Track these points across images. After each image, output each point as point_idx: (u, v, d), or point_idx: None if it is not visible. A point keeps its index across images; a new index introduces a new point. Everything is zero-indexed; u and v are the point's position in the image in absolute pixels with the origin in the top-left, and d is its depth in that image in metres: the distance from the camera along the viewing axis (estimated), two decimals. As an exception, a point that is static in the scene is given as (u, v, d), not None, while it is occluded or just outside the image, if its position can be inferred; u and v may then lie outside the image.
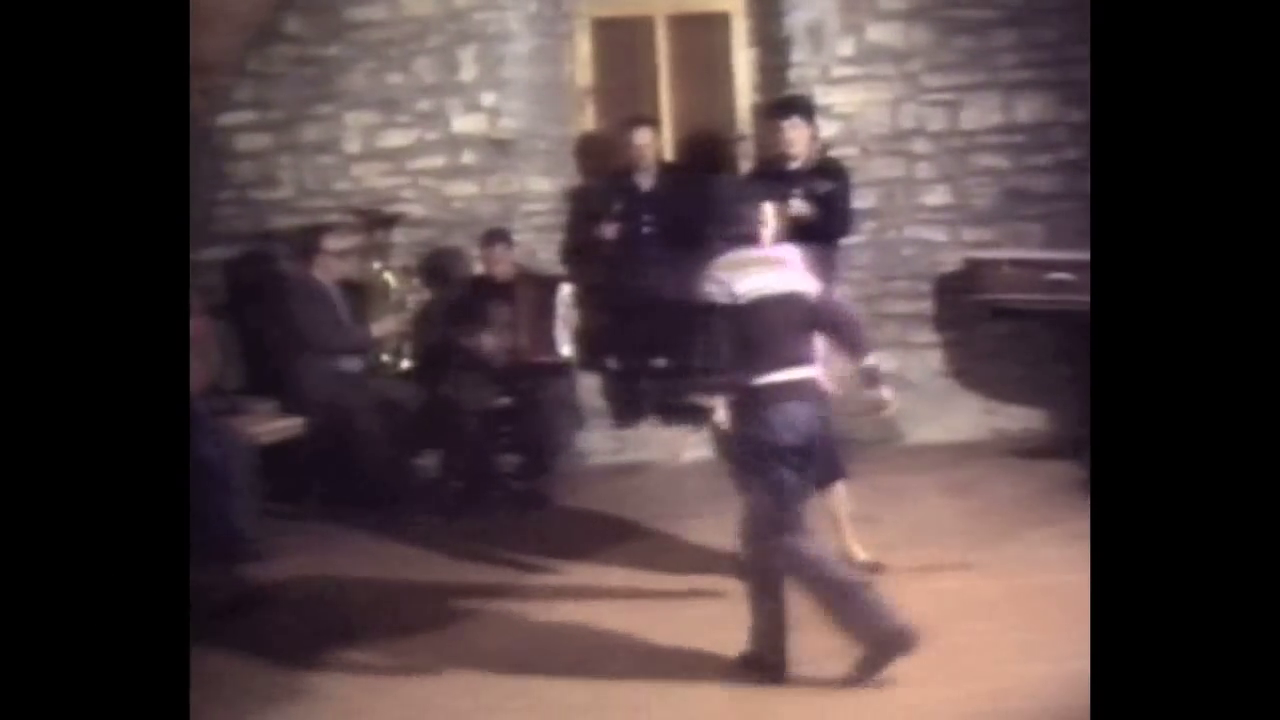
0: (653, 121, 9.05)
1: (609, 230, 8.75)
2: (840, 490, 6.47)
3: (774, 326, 5.44)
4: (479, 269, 8.82)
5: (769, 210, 5.73)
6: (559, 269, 9.20)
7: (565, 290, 8.51)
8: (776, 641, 5.34)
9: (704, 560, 6.58)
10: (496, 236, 8.65)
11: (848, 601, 5.25)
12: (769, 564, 5.35)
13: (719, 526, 6.25)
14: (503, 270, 8.57)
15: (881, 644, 5.16)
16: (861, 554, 6.37)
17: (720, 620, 5.69)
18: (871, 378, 5.59)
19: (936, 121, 8.98)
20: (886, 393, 5.65)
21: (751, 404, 5.38)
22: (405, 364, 8.87)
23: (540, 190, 9.33)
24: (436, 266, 9.23)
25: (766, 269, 5.54)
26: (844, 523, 6.47)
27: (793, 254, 5.70)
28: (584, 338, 8.68)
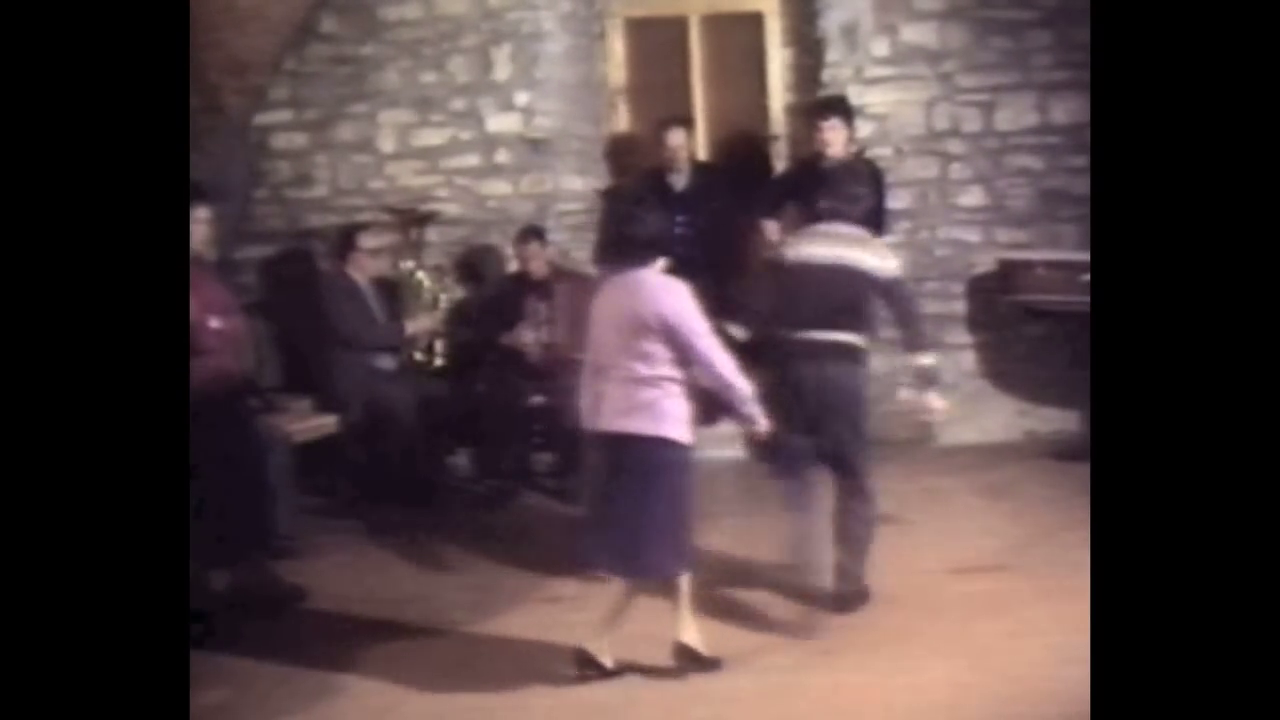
0: (686, 121, 9.03)
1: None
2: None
3: (816, 291, 5.90)
4: (514, 267, 8.84)
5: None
6: (592, 269, 9.21)
7: None
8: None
9: (735, 563, 6.58)
10: (531, 234, 8.67)
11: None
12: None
13: (749, 528, 6.26)
14: (538, 268, 8.59)
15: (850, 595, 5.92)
16: None
17: (747, 623, 5.72)
18: (925, 378, 5.90)
19: (971, 122, 8.95)
20: (936, 401, 5.86)
21: (781, 356, 5.88)
22: (439, 362, 8.90)
23: (574, 189, 9.35)
24: (471, 264, 9.27)
25: (830, 241, 6.05)
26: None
27: (863, 234, 6.14)
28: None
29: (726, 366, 5.37)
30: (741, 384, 5.40)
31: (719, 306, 5.97)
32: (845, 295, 5.96)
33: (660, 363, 5.32)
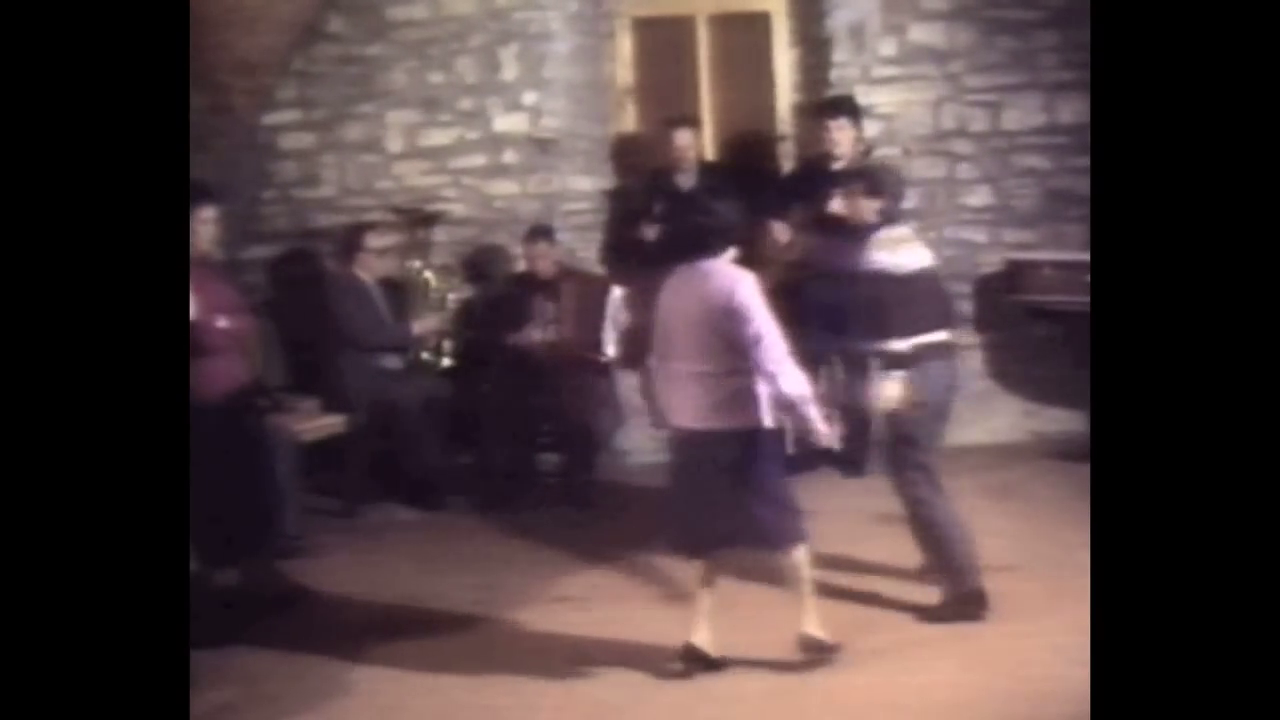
0: (693, 122, 9.03)
1: (649, 231, 8.76)
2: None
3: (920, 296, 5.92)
4: (521, 267, 8.85)
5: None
6: (599, 268, 9.22)
7: (617, 293, 8.51)
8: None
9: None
10: (539, 233, 8.69)
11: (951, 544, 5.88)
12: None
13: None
14: (545, 267, 8.60)
15: (957, 599, 5.81)
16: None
17: (753, 621, 5.72)
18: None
19: (978, 122, 8.95)
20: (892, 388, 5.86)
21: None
22: (446, 362, 8.90)
23: (581, 189, 9.34)
24: (478, 264, 9.27)
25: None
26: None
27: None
28: (625, 337, 8.69)
29: (789, 364, 5.35)
30: (803, 384, 5.38)
31: None
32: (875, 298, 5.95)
33: (738, 352, 5.32)
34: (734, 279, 5.42)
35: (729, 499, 5.38)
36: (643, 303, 8.77)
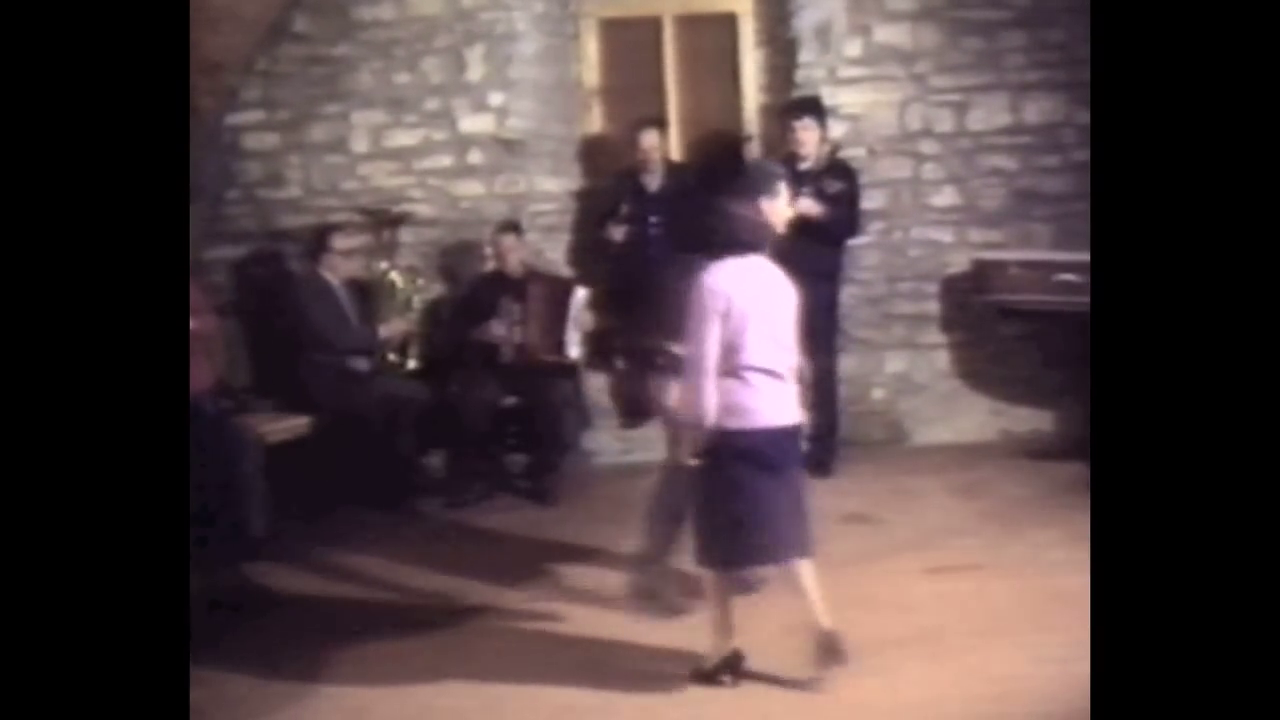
0: (660, 122, 9.03)
1: (616, 232, 8.76)
2: None
3: None
4: (489, 265, 8.83)
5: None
6: (566, 269, 9.21)
7: (580, 294, 8.51)
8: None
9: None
10: (508, 227, 8.69)
11: None
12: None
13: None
14: (514, 262, 8.58)
15: None
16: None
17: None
18: None
19: (944, 122, 8.97)
20: None
21: None
22: (412, 363, 8.88)
23: (547, 190, 9.33)
24: (445, 265, 9.24)
25: None
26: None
27: None
28: (592, 338, 8.69)
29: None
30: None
31: None
32: None
33: (791, 349, 5.27)
34: (779, 271, 5.34)
35: (792, 501, 5.27)
36: (607, 302, 8.81)
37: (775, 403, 5.20)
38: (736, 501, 5.20)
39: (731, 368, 5.13)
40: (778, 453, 5.21)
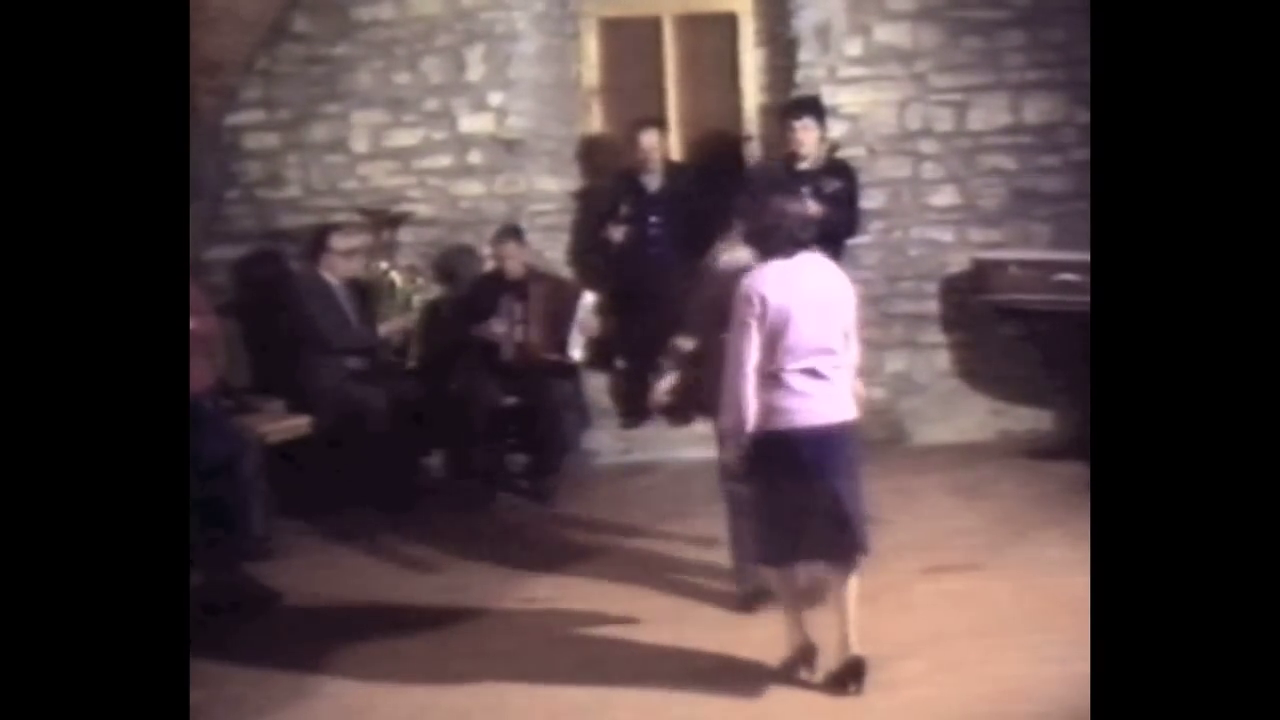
0: (659, 122, 9.04)
1: (616, 232, 8.76)
2: None
3: None
4: (489, 267, 8.83)
5: None
6: (566, 269, 9.21)
7: (589, 298, 8.50)
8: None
9: (707, 563, 6.58)
10: (509, 233, 8.67)
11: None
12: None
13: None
14: (514, 267, 8.58)
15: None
16: None
17: (721, 625, 5.71)
18: None
19: (944, 122, 8.97)
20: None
21: None
22: (412, 363, 8.87)
23: (547, 190, 9.33)
24: (444, 265, 9.24)
25: None
26: None
27: None
28: (590, 340, 8.68)
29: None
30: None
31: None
32: None
33: (842, 346, 5.25)
34: (833, 268, 5.37)
35: (846, 501, 5.23)
36: (607, 302, 8.81)
37: (816, 403, 5.17)
38: (772, 500, 5.23)
39: (773, 369, 5.13)
40: (818, 453, 5.17)
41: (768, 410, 5.13)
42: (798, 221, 5.32)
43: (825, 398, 5.18)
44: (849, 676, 5.16)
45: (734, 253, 5.79)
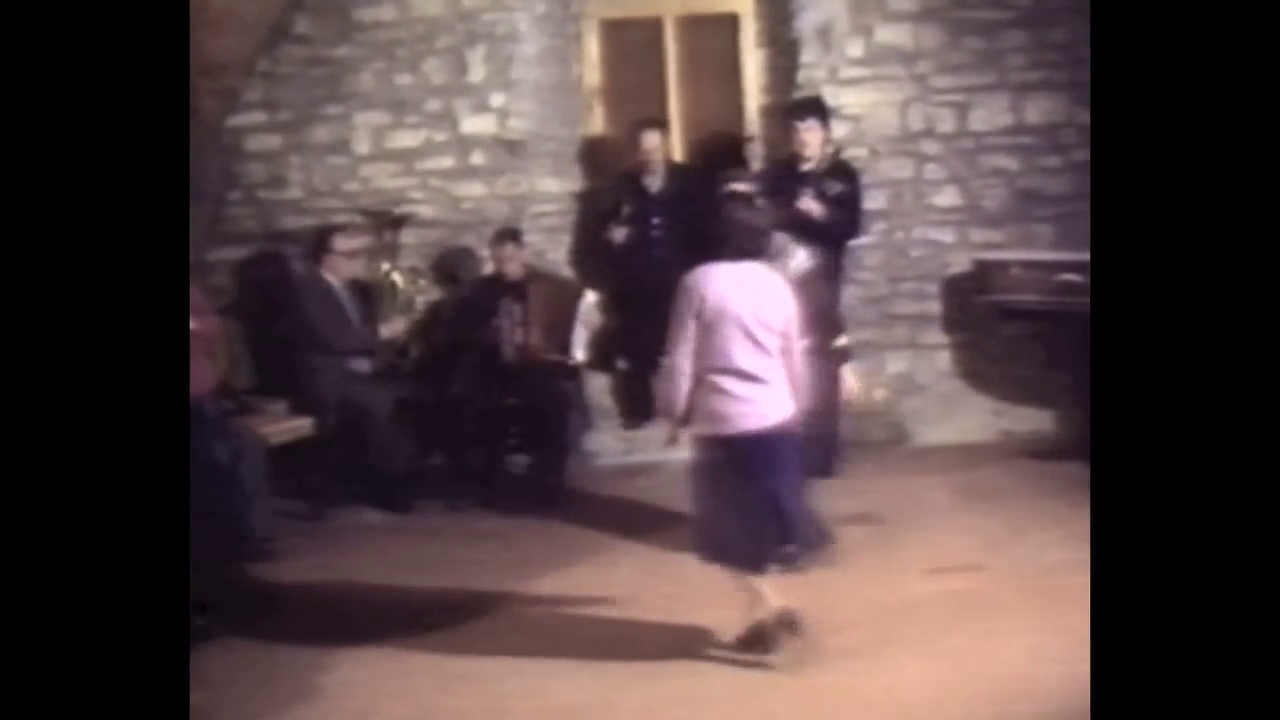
0: (661, 123, 9.03)
1: (618, 233, 8.77)
2: None
3: None
4: (489, 269, 8.83)
5: None
6: (567, 270, 9.22)
7: (590, 298, 8.51)
8: None
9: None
10: (507, 236, 8.68)
11: None
12: None
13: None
14: (513, 269, 8.58)
15: None
16: None
17: (725, 626, 5.72)
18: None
19: (946, 123, 8.97)
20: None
21: None
22: (414, 364, 8.88)
23: (549, 191, 9.33)
24: (446, 266, 9.25)
25: None
26: None
27: None
28: (593, 339, 8.69)
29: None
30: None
31: None
32: None
33: (778, 351, 5.38)
34: (779, 282, 5.52)
35: (788, 499, 5.44)
36: (608, 303, 8.81)
37: (754, 406, 5.35)
38: (713, 498, 5.48)
39: (706, 370, 5.35)
40: (757, 455, 5.36)
41: (708, 415, 5.38)
42: (746, 232, 5.54)
43: (762, 400, 5.36)
44: (786, 626, 5.39)
45: (796, 257, 6.23)
